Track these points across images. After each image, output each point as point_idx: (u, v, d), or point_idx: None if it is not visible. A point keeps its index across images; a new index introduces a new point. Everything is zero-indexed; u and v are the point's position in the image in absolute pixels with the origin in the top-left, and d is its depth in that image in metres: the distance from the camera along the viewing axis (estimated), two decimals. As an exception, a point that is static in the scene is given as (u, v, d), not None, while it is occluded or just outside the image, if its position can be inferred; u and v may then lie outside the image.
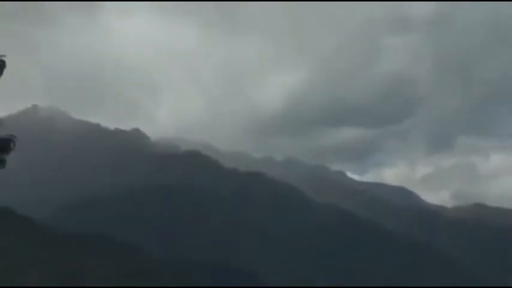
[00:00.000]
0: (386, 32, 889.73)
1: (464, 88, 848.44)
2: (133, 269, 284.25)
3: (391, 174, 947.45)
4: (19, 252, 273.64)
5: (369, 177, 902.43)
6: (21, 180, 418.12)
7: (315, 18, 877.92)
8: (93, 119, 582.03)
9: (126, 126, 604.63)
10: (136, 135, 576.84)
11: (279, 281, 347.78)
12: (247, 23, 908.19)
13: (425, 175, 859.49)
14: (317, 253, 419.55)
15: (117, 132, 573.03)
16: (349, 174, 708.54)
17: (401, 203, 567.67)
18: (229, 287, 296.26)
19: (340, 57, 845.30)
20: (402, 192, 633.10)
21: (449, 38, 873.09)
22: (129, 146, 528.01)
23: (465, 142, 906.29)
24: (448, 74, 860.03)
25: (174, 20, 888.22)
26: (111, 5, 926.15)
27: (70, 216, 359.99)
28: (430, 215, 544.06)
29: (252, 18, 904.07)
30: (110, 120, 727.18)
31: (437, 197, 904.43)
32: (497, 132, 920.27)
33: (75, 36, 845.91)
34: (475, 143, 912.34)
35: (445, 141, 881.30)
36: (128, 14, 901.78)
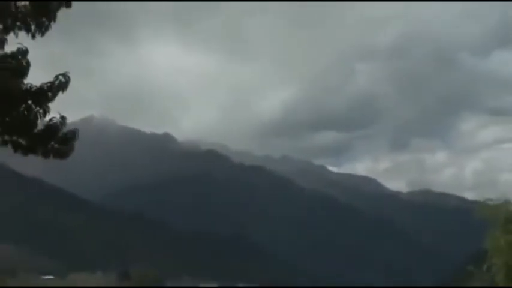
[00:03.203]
0: (357, 58, 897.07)
1: (416, 102, 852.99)
2: (165, 239, 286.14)
3: (360, 167, 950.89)
4: (79, 226, 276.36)
5: (344, 169, 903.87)
6: (81, 173, 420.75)
7: (303, 47, 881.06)
8: (134, 125, 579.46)
9: (159, 130, 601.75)
10: (167, 137, 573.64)
11: (276, 249, 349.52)
12: (251, 52, 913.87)
13: (387, 168, 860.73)
14: (305, 228, 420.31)
15: (153, 135, 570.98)
16: (329, 167, 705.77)
17: (368, 189, 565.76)
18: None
19: (322, 77, 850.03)
20: (369, 181, 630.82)
21: (406, 64, 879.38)
22: (162, 146, 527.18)
23: (417, 143, 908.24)
24: (404, 92, 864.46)
25: (197, 49, 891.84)
26: (147, 38, 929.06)
27: (118, 199, 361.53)
28: (390, 198, 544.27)
29: (255, 48, 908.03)
30: (147, 126, 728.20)
31: (395, 184, 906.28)
32: (441, 135, 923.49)
33: (120, 63, 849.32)
34: (424, 143, 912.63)
35: (401, 142, 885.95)
36: (161, 44, 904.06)
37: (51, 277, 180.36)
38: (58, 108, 6.83)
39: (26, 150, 6.80)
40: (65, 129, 6.97)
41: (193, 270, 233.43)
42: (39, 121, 6.53)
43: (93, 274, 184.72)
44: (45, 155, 6.94)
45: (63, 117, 6.78)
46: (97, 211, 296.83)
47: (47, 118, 6.68)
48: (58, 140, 6.86)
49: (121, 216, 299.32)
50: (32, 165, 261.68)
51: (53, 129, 6.66)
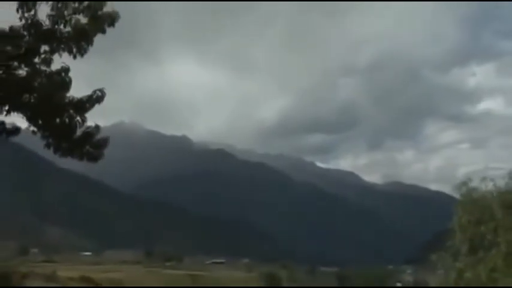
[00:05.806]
0: (341, 74, 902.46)
1: (389, 110, 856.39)
2: (183, 223, 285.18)
3: (344, 163, 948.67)
4: (113, 212, 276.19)
5: (330, 165, 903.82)
6: (114, 168, 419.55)
7: (297, 65, 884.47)
8: (157, 128, 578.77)
9: (178, 133, 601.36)
10: (184, 139, 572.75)
11: (274, 231, 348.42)
12: (254, 68, 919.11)
13: (365, 164, 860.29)
14: (297, 214, 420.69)
15: (172, 137, 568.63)
16: (318, 164, 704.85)
17: (350, 181, 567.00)
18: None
19: (312, 89, 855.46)
20: (351, 175, 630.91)
21: (380, 78, 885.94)
22: (180, 147, 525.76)
23: (390, 143, 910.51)
24: (379, 101, 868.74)
25: (209, 66, 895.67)
26: (168, 58, 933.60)
27: (145, 190, 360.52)
28: (368, 189, 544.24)
29: (257, 65, 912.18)
30: (167, 129, 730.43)
31: (372, 177, 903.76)
32: (409, 136, 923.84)
33: (146, 77, 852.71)
34: (395, 144, 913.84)
35: (377, 142, 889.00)
36: (180, 62, 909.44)
37: (89, 253, 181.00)
38: (94, 115, 7.06)
39: (65, 153, 7.06)
40: (98, 136, 7.23)
41: (206, 248, 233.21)
42: (78, 128, 6.92)
43: (123, 252, 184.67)
44: (81, 157, 7.29)
45: (97, 126, 6.94)
46: (128, 200, 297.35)
47: (85, 126, 6.93)
48: (92, 145, 7.14)
49: (147, 204, 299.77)
50: (75, 162, 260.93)
51: (89, 135, 6.84)
